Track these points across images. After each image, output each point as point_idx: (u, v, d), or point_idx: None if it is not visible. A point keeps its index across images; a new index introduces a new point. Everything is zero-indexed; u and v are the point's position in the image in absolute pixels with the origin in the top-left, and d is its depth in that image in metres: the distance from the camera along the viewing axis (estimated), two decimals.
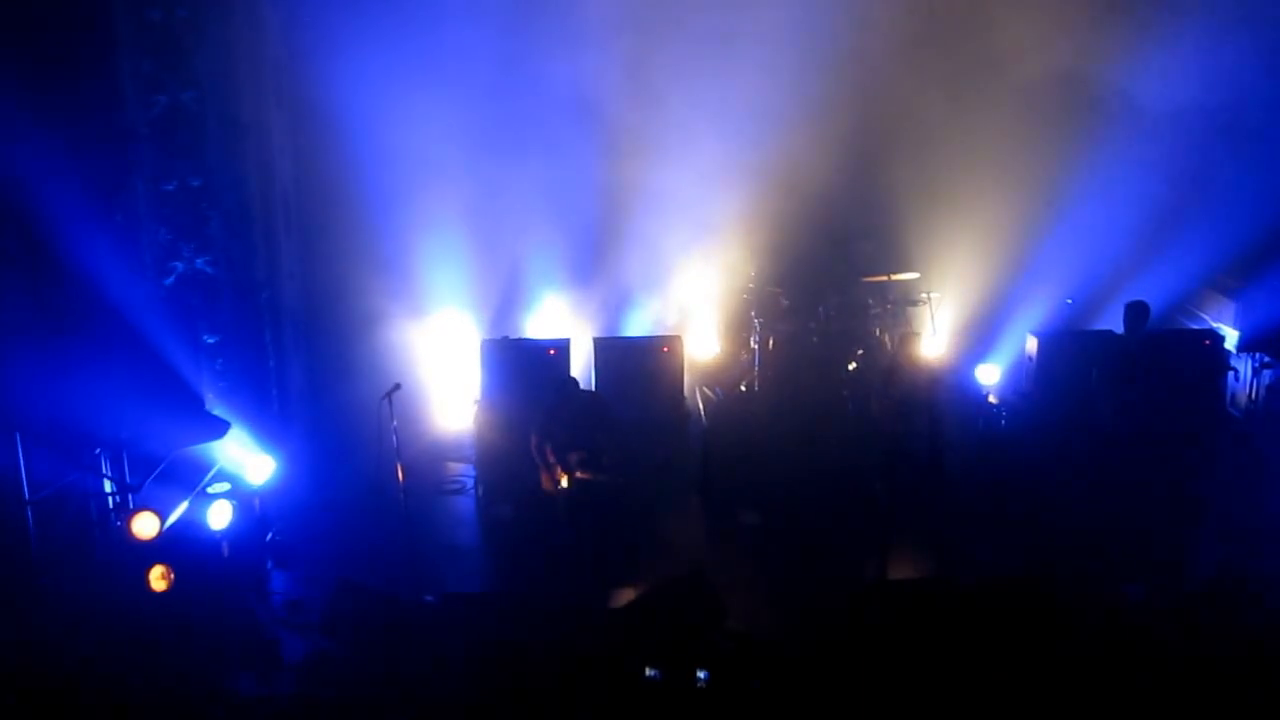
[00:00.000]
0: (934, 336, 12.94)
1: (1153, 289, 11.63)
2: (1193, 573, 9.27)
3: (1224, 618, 7.95)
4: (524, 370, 11.54)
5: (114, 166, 9.76)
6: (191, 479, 9.53)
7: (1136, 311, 10.61)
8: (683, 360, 12.08)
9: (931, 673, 7.59)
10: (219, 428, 9.75)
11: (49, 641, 7.93)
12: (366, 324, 13.08)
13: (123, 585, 8.49)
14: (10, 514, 8.38)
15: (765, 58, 12.59)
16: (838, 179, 13.08)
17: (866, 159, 13.28)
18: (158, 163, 10.35)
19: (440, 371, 13.13)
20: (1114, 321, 11.08)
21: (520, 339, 12.59)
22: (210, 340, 10.80)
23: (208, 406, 10.21)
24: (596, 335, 12.57)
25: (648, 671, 7.66)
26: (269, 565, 9.93)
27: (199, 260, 10.66)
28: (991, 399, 11.86)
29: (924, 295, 13.23)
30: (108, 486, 9.18)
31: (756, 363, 13.15)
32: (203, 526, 9.06)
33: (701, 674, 7.62)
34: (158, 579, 8.39)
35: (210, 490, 9.37)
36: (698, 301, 14.07)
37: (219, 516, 9.07)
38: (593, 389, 11.41)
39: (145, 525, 8.41)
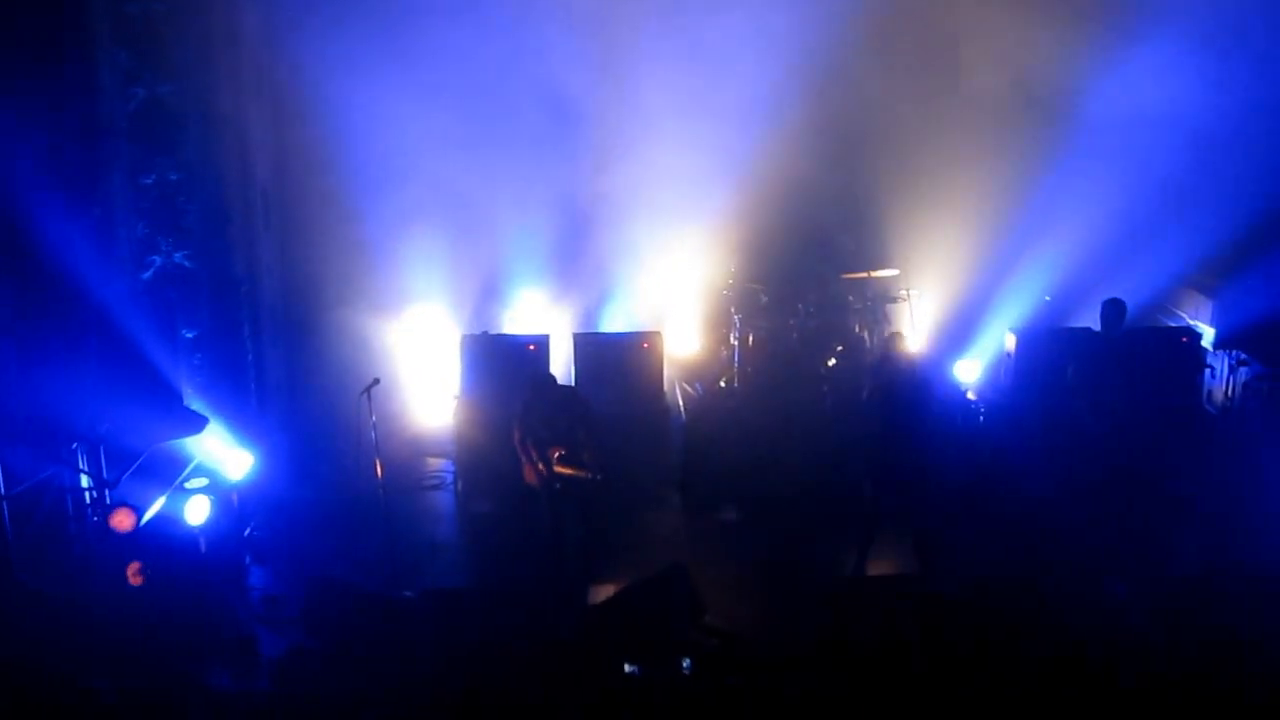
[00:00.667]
0: (913, 333, 12.96)
1: (1131, 287, 11.67)
2: (1174, 569, 9.31)
3: (1206, 613, 7.99)
4: (504, 366, 11.52)
5: (91, 160, 9.69)
6: (169, 474, 9.47)
7: (1114, 309, 10.67)
8: (662, 356, 12.10)
9: (911, 669, 7.61)
10: (197, 423, 9.69)
11: (25, 636, 7.88)
12: (346, 319, 13.05)
13: (99, 580, 8.46)
14: None
15: (743, 56, 12.61)
16: (817, 176, 13.13)
17: (846, 156, 13.34)
18: (135, 156, 10.30)
19: (420, 367, 13.12)
20: (1092, 319, 11.15)
21: (500, 334, 12.58)
22: (188, 335, 10.74)
23: (186, 401, 10.13)
24: (576, 331, 12.58)
25: (627, 667, 7.67)
26: (247, 561, 9.90)
27: (177, 254, 10.60)
28: (970, 395, 11.90)
29: (903, 292, 13.27)
30: (85, 481, 9.14)
31: (736, 359, 13.15)
32: (180, 522, 9.02)
33: (685, 662, 7.65)
34: (133, 575, 8.36)
35: (188, 485, 9.32)
36: (678, 298, 14.06)
37: (197, 512, 9.04)
38: (571, 384, 11.39)
39: (122, 520, 8.38)
